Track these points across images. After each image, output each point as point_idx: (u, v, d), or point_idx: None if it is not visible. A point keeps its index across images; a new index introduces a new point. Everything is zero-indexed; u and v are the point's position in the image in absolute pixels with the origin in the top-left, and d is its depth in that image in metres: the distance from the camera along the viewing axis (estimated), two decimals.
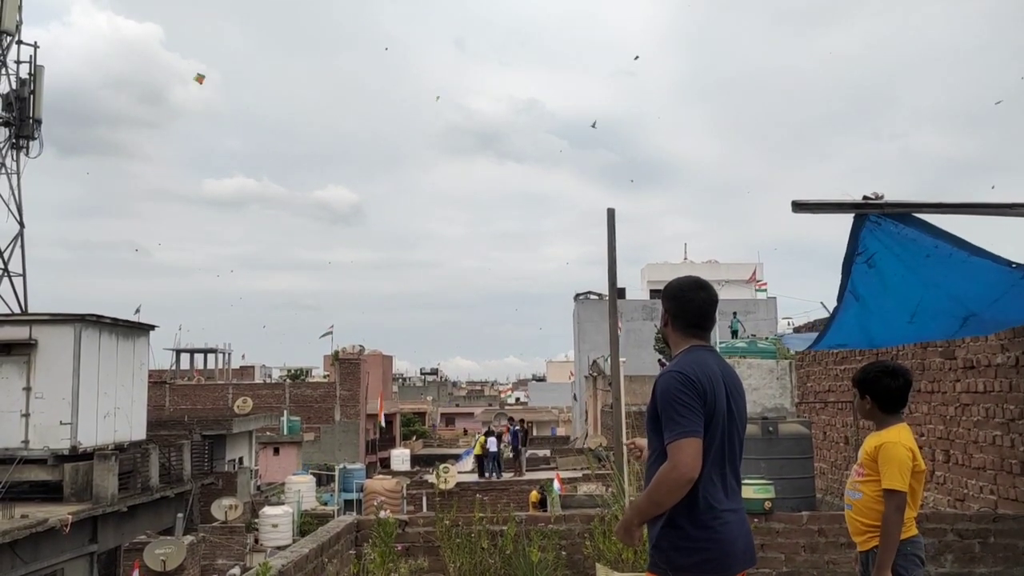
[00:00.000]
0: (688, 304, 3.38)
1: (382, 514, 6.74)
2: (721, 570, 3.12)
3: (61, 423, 20.29)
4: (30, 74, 31.39)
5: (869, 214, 5.08)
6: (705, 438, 3.11)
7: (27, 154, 31.40)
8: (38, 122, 31.41)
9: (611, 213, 7.92)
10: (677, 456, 3.03)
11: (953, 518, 7.13)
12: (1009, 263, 5.15)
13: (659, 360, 38.27)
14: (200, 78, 33.28)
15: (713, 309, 3.42)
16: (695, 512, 3.11)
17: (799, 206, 5.35)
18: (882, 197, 5.29)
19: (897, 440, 4.03)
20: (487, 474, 28.93)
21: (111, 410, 22.07)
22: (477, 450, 30.02)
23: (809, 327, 13.96)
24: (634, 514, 3.22)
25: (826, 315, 11.95)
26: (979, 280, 5.30)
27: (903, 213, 5.09)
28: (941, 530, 6.99)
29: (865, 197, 5.28)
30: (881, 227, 5.05)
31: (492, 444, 29.92)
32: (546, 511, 13.93)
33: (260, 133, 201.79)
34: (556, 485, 21.19)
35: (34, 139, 31.37)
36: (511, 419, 35.22)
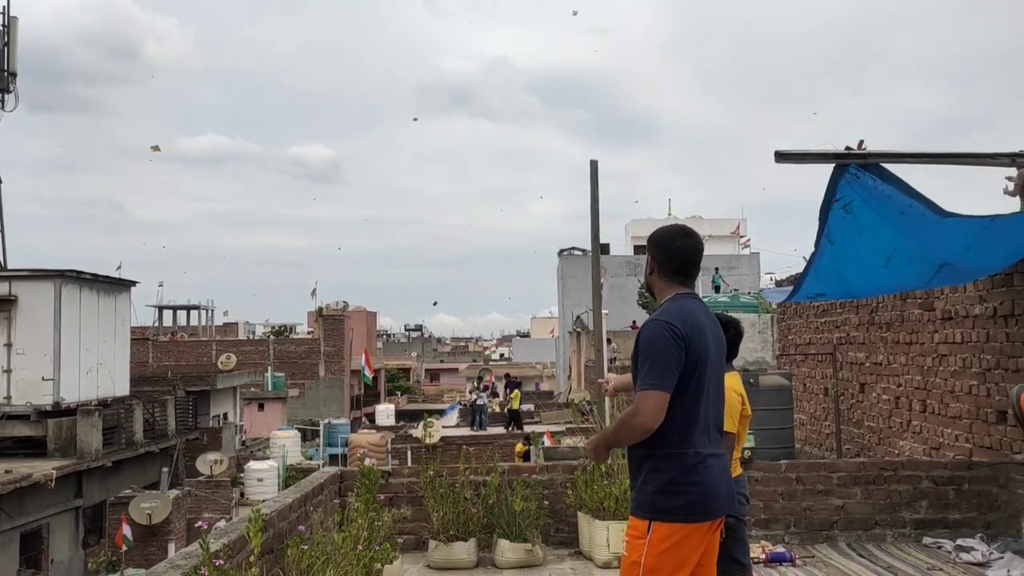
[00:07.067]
0: (675, 251, 3.36)
1: (367, 462, 6.78)
2: (704, 514, 3.15)
3: (43, 379, 20.24)
4: (4, 25, 30.59)
5: (849, 165, 5.11)
6: (691, 383, 3.15)
7: (3, 107, 30.77)
8: (13, 75, 30.69)
9: (594, 165, 7.92)
10: (641, 405, 3.09)
11: (928, 466, 7.26)
12: (981, 218, 5.20)
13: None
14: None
15: (699, 257, 3.40)
16: (681, 456, 3.14)
17: (782, 156, 5.37)
18: (865, 147, 5.31)
19: (729, 386, 4.17)
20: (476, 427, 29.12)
21: (94, 366, 22.01)
22: (515, 404, 29.59)
23: (790, 281, 14.04)
24: (601, 440, 3.48)
25: None
26: (951, 233, 5.37)
27: (884, 164, 5.13)
28: (916, 477, 7.11)
29: (847, 148, 5.30)
30: (860, 180, 5.09)
31: (483, 398, 30.16)
32: (530, 463, 14.09)
33: (234, 89, 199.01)
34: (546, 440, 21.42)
35: (9, 92, 30.68)
36: (507, 375, 35.40)
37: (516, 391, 30.86)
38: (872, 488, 7.09)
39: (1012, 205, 7.70)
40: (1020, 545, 6.24)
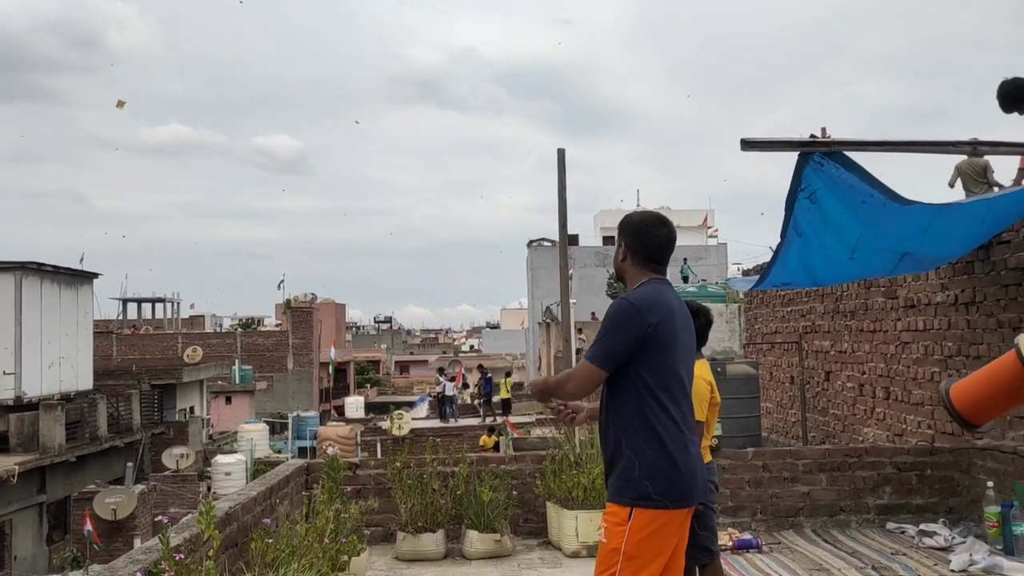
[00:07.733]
0: (650, 240, 3.36)
1: (329, 451, 6.73)
2: (683, 499, 3.14)
3: (4, 373, 19.90)
4: None
5: (813, 153, 5.14)
6: (662, 366, 3.16)
7: None
8: None
9: (561, 154, 7.90)
10: (579, 373, 3.23)
11: (892, 452, 7.34)
12: (939, 205, 5.26)
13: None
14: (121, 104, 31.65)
15: (672, 246, 3.41)
16: (664, 441, 3.13)
17: (748, 144, 5.38)
18: (828, 135, 5.34)
19: (698, 374, 4.22)
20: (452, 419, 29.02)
21: (56, 360, 21.66)
22: (504, 393, 29.73)
23: (757, 270, 14.13)
24: (544, 386, 3.46)
25: None
26: (911, 221, 5.44)
27: (848, 152, 5.16)
28: (880, 463, 7.19)
29: (812, 136, 5.34)
30: (824, 168, 5.12)
31: (450, 388, 30.01)
32: (499, 453, 14.08)
33: (197, 78, 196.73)
34: (509, 431, 21.45)
35: None
36: (480, 367, 35.41)
37: (507, 379, 30.84)
38: (837, 475, 7.16)
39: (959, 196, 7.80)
40: (982, 530, 6.33)
